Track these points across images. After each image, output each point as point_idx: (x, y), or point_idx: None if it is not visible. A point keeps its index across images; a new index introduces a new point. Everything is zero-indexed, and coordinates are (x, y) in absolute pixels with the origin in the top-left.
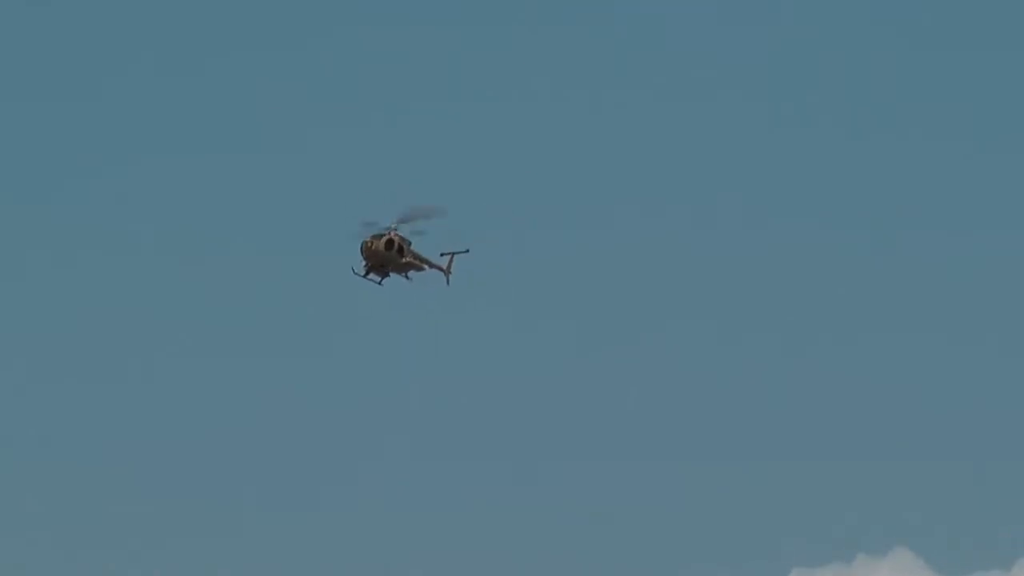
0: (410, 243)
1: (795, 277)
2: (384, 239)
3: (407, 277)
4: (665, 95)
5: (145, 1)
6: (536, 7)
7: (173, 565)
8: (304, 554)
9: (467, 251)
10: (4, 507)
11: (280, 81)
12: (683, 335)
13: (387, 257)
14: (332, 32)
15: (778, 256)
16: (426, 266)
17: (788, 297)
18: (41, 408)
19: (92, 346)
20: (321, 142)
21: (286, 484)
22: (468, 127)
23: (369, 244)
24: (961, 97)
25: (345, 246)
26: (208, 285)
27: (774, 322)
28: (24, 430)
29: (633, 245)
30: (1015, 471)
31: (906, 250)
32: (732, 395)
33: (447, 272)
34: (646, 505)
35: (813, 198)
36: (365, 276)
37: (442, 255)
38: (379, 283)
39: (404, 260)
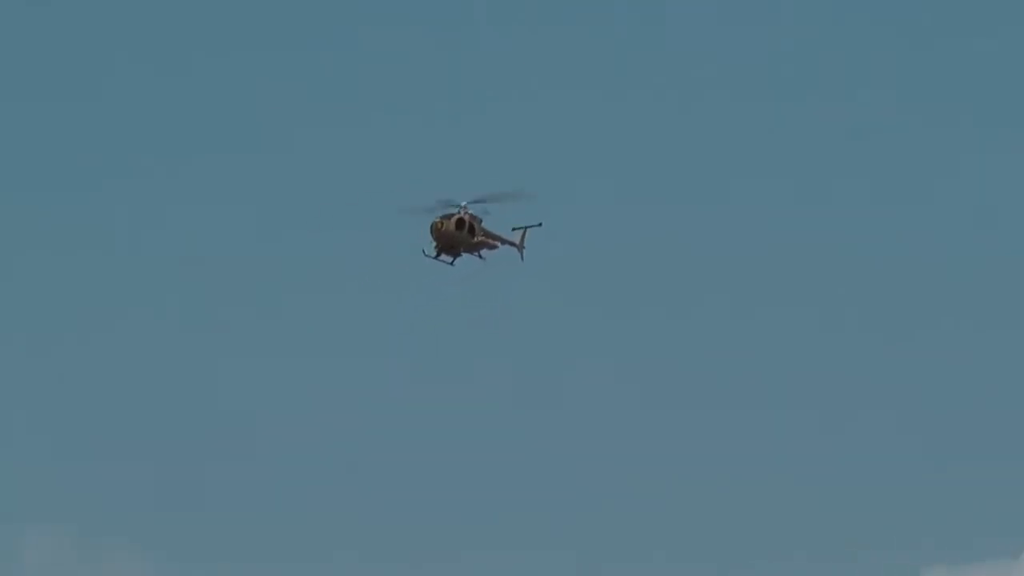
0: (481, 220)
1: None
2: (454, 218)
3: (480, 256)
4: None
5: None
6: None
7: None
8: None
9: (540, 225)
10: None
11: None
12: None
13: (458, 237)
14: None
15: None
16: (499, 243)
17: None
18: None
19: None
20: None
21: None
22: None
23: (439, 225)
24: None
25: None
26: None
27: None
28: None
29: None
30: None
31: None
32: (862, 383)
33: (520, 247)
34: (778, 495)
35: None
36: (436, 257)
37: (514, 230)
38: (451, 263)
39: (476, 239)
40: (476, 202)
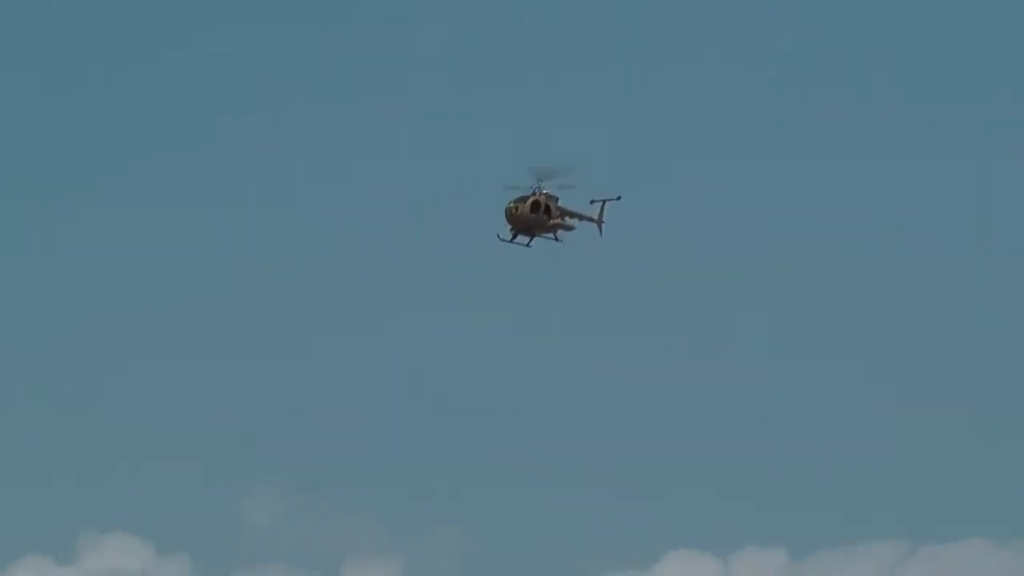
0: (557, 199)
1: None
2: (530, 201)
3: (556, 238)
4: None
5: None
6: None
7: None
8: None
9: (619, 198)
10: None
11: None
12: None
13: (534, 220)
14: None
15: None
16: (577, 221)
17: None
18: None
19: None
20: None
21: None
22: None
23: (513, 209)
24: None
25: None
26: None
27: None
28: None
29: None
30: None
31: None
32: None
33: (599, 222)
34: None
35: None
36: (512, 240)
37: (592, 202)
38: (527, 245)
39: (552, 221)
40: (542, 180)
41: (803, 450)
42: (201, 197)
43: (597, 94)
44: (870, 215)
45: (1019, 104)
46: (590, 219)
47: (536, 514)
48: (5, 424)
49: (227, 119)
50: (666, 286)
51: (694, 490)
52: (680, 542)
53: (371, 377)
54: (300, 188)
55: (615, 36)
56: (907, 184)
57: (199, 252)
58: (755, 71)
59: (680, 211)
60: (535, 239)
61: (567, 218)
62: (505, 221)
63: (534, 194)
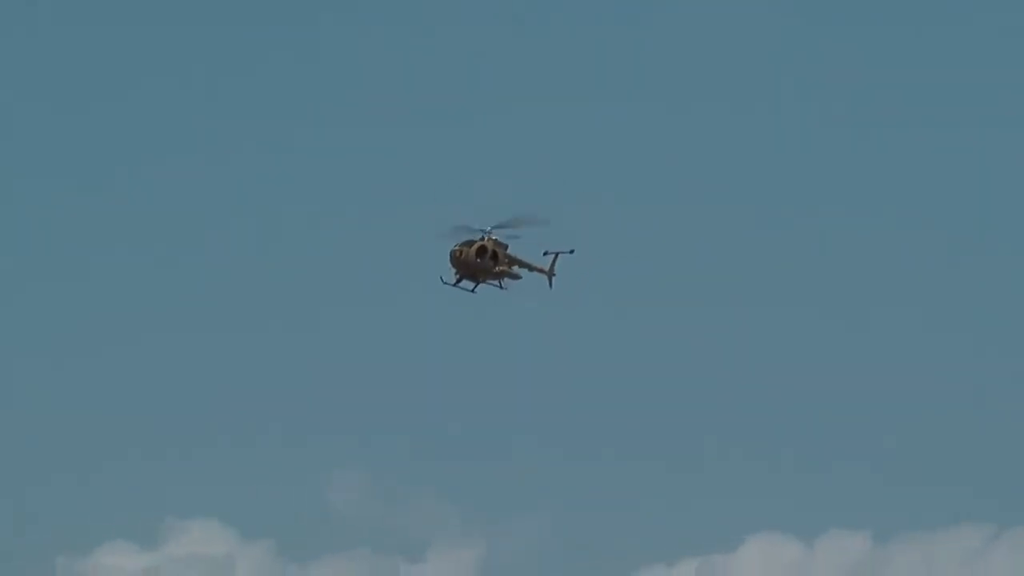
0: (507, 247)
1: None
2: (475, 246)
3: (501, 286)
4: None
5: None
6: None
7: None
8: None
9: (572, 251)
10: None
11: None
12: None
13: (479, 266)
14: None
15: None
16: (526, 270)
17: None
18: None
19: None
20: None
21: None
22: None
23: (458, 253)
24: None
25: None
26: None
27: None
28: None
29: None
30: None
31: None
32: None
33: (550, 274)
34: None
35: None
36: (455, 285)
37: (545, 254)
38: (472, 291)
39: (498, 268)
40: (501, 227)
41: (888, 433)
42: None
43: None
44: None
45: None
46: (540, 270)
47: (618, 499)
48: (89, 410)
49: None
50: None
51: (777, 473)
52: (763, 525)
53: (455, 363)
54: None
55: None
56: None
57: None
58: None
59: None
60: (480, 285)
61: (515, 267)
62: (449, 264)
63: (481, 239)
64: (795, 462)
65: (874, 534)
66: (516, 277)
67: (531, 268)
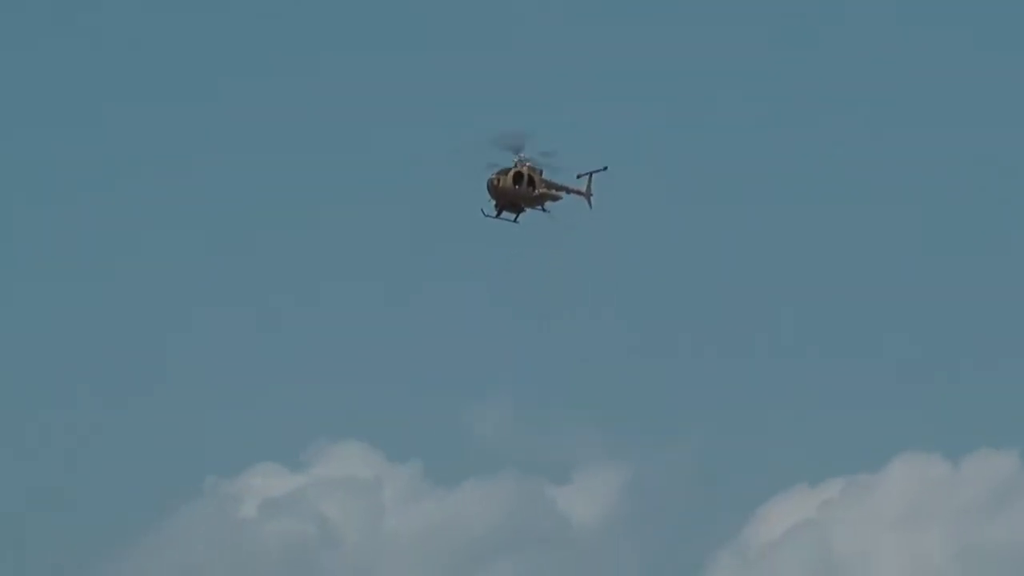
0: (542, 171)
1: None
2: (512, 173)
3: (544, 210)
4: None
5: None
6: None
7: None
8: None
9: (605, 168)
10: None
11: None
12: None
13: (518, 193)
14: None
15: None
16: (564, 193)
17: None
18: None
19: None
20: None
21: None
22: None
23: (496, 182)
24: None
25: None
26: None
27: None
28: None
29: None
30: None
31: None
32: None
33: (587, 195)
34: None
35: None
36: (497, 216)
37: (579, 176)
38: (514, 221)
39: (537, 192)
40: (518, 151)
41: None
42: None
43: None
44: None
45: None
46: (577, 192)
47: (762, 422)
48: (237, 334)
49: None
50: None
51: (925, 391)
52: (909, 444)
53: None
54: None
55: None
56: None
57: None
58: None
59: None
60: (522, 214)
61: (553, 190)
62: (488, 195)
63: (516, 165)
64: (942, 380)
65: (1022, 452)
66: (557, 198)
67: (568, 191)
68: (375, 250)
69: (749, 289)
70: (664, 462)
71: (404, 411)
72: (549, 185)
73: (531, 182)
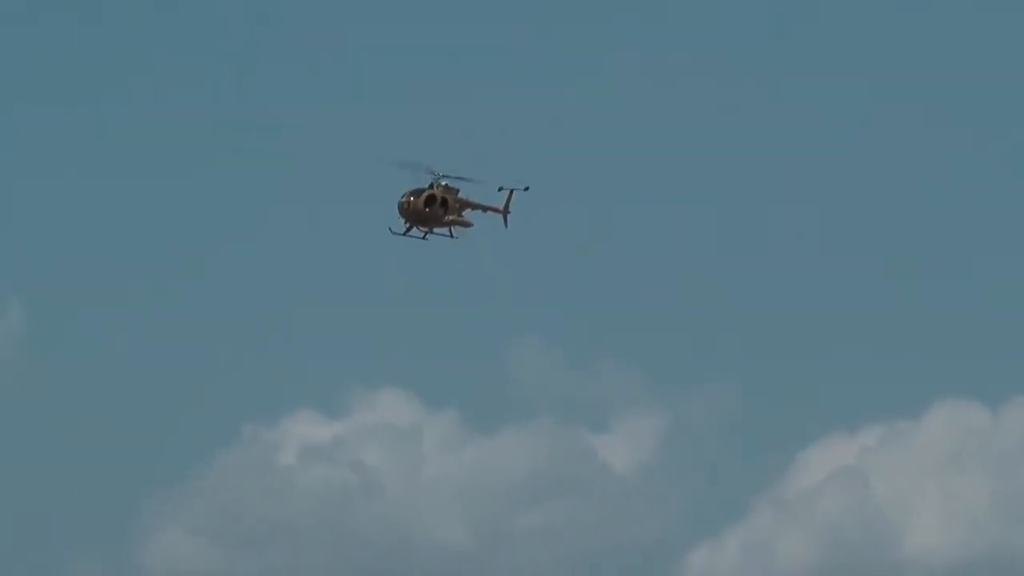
0: (457, 191)
1: None
2: (424, 195)
3: (451, 235)
4: None
5: None
6: None
7: None
8: None
9: (527, 188)
10: None
11: None
12: None
13: (428, 215)
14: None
15: None
16: (479, 211)
17: None
18: None
19: None
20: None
21: None
22: None
23: (405, 204)
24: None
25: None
26: None
27: None
28: None
29: None
30: None
31: None
32: None
33: (505, 212)
34: None
35: None
36: (405, 234)
37: (500, 189)
38: (422, 238)
39: (448, 217)
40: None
41: None
42: None
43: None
44: None
45: None
46: (494, 209)
47: (801, 368)
48: (279, 279)
49: None
50: None
51: (964, 338)
52: (949, 391)
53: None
54: None
55: None
56: None
57: None
58: None
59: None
60: (430, 233)
61: (467, 211)
62: (399, 214)
63: (431, 187)
64: (982, 327)
65: None
66: (468, 225)
67: (485, 208)
68: None
69: (793, 234)
70: (704, 408)
71: (443, 358)
72: (464, 204)
73: (444, 203)
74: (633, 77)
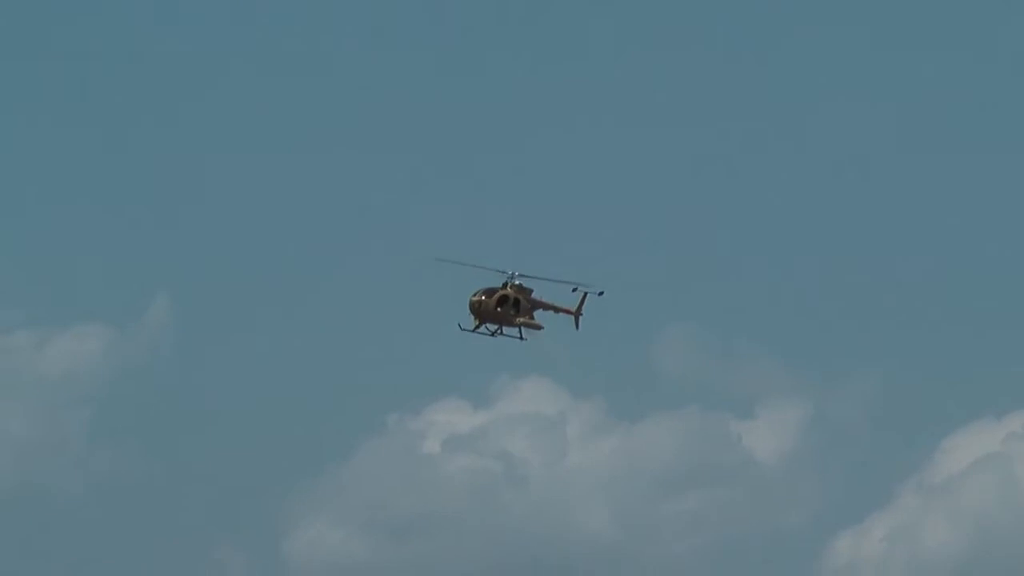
0: (531, 291)
1: None
2: (496, 295)
3: (521, 337)
4: None
5: None
6: None
7: None
8: None
9: (602, 293)
10: None
11: None
12: None
13: (499, 315)
14: None
15: None
16: (552, 311)
17: None
18: None
19: None
20: None
21: None
22: None
23: (477, 304)
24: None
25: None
26: None
27: None
28: None
29: None
30: None
31: None
32: None
33: (576, 314)
34: None
35: None
36: (475, 331)
37: (574, 290)
38: (491, 335)
39: (520, 319)
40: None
41: None
42: None
43: None
44: None
45: None
46: (566, 311)
47: (946, 354)
48: (424, 272)
49: None
50: None
51: None
52: None
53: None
54: None
55: None
56: None
57: None
58: None
59: None
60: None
61: (537, 312)
62: (469, 312)
63: (504, 286)
64: None
65: None
66: (538, 327)
67: (557, 310)
68: None
69: (935, 225)
70: (848, 397)
71: (588, 347)
72: (536, 304)
73: (516, 304)
74: None
